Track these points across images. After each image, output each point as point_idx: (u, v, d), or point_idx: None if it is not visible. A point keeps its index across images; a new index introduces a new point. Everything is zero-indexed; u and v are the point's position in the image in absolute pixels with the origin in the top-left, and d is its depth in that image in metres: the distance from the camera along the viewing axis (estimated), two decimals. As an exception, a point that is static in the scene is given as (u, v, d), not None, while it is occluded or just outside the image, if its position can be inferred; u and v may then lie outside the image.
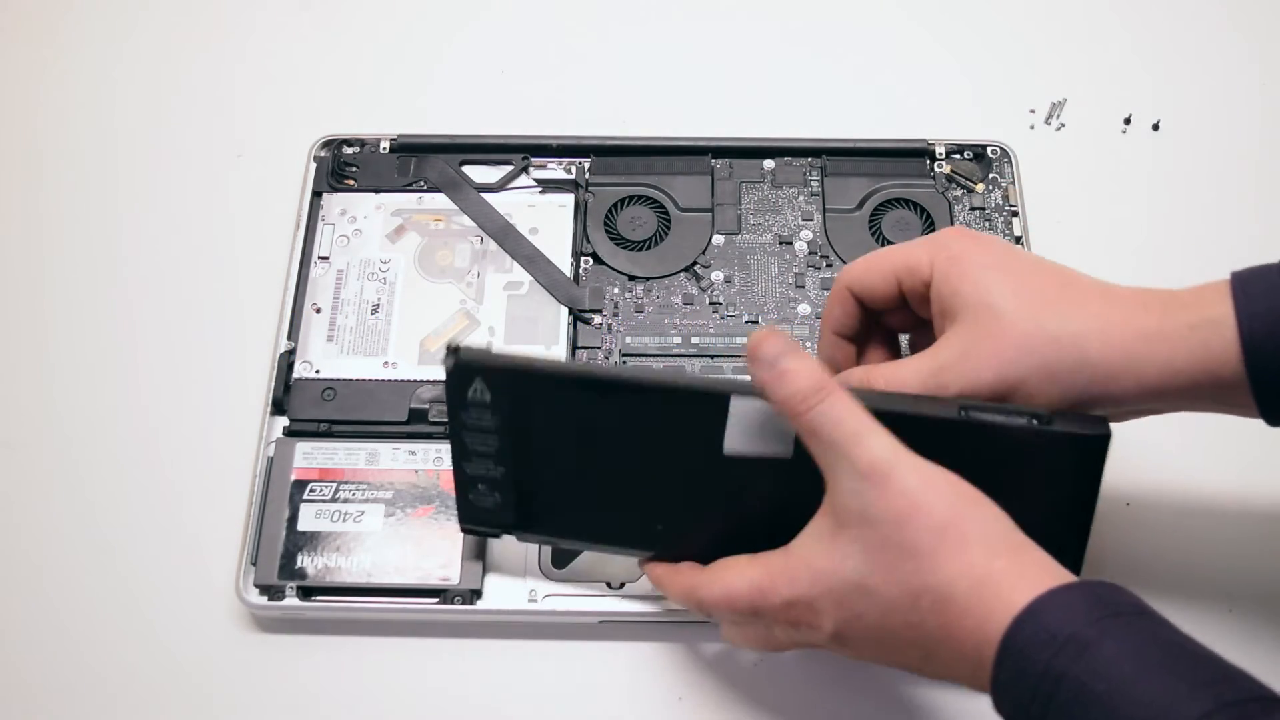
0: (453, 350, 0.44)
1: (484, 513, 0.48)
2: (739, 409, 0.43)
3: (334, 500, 0.54)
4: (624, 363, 0.58)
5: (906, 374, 0.45)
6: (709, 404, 0.43)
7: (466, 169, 0.64)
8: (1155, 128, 0.68)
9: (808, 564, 0.41)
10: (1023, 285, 0.43)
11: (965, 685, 0.40)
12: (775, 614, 0.43)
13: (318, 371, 0.58)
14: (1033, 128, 0.68)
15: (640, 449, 0.45)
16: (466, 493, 0.48)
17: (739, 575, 0.43)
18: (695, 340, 0.59)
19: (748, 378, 0.42)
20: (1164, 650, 0.36)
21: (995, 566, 0.38)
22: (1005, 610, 0.37)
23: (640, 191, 0.63)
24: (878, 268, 0.47)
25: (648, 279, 0.61)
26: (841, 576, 0.40)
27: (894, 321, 0.49)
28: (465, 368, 0.44)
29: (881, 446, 0.40)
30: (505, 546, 0.53)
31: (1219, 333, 0.41)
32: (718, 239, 0.62)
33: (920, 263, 0.45)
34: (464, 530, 0.50)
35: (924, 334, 0.48)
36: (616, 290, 0.61)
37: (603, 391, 0.44)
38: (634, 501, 0.47)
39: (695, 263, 0.61)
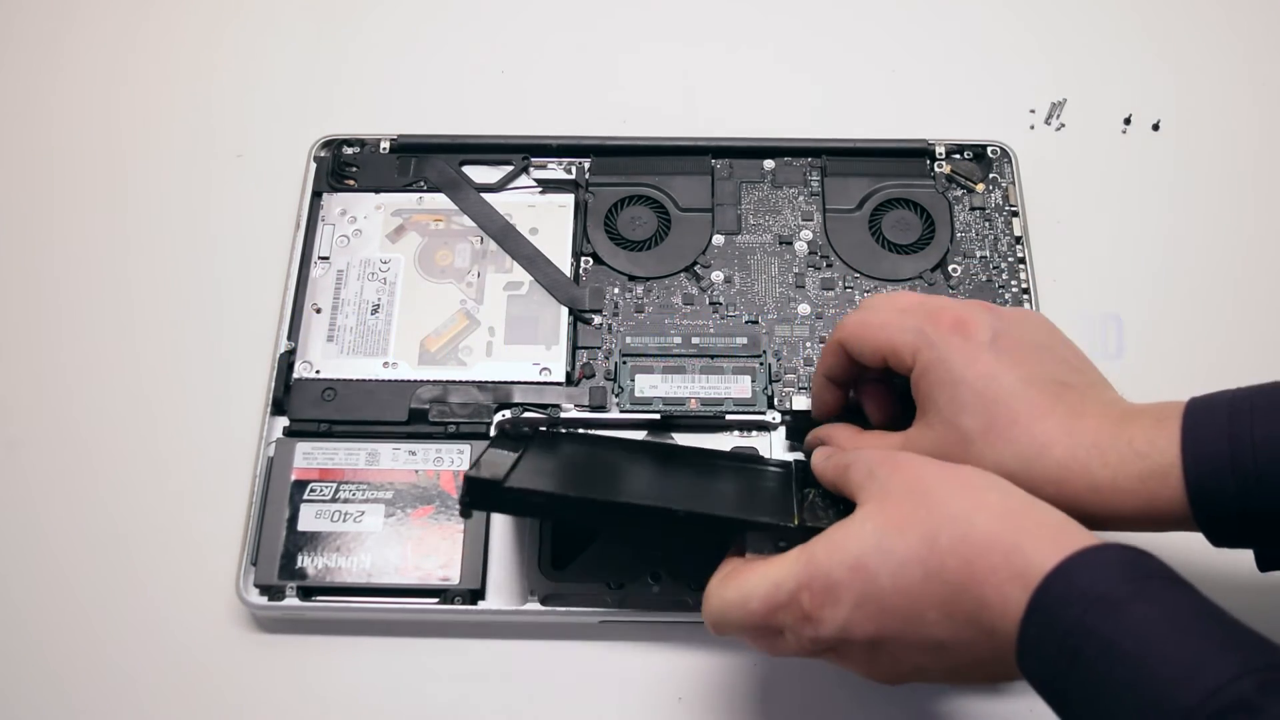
0: (464, 502, 0.46)
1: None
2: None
3: (334, 500, 0.54)
4: (624, 363, 0.58)
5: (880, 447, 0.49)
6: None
7: (466, 169, 0.64)
8: (1155, 128, 0.68)
9: (825, 540, 0.42)
10: (993, 412, 0.45)
11: (985, 653, 0.39)
12: (788, 608, 0.42)
13: (318, 372, 0.58)
14: (1033, 128, 0.68)
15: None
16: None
17: (761, 576, 0.43)
18: (695, 340, 0.59)
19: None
20: (1193, 615, 0.36)
21: (1013, 502, 0.41)
22: (1035, 563, 0.38)
23: (640, 191, 0.63)
24: (869, 341, 0.48)
25: (648, 279, 0.61)
26: (858, 539, 0.41)
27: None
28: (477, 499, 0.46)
29: (888, 448, 0.46)
30: (506, 547, 0.54)
31: (1167, 484, 0.43)
32: (718, 239, 0.62)
33: (905, 353, 0.47)
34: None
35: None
36: (616, 290, 0.61)
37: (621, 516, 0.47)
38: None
39: (695, 263, 0.61)
